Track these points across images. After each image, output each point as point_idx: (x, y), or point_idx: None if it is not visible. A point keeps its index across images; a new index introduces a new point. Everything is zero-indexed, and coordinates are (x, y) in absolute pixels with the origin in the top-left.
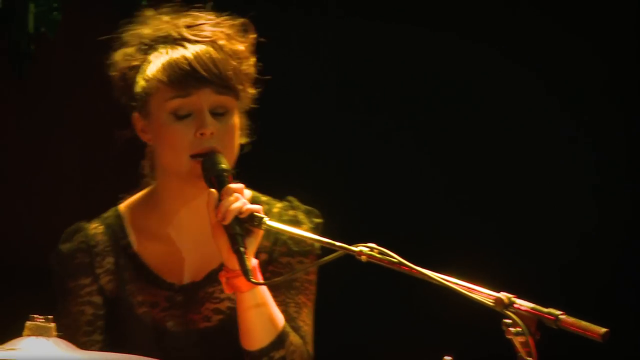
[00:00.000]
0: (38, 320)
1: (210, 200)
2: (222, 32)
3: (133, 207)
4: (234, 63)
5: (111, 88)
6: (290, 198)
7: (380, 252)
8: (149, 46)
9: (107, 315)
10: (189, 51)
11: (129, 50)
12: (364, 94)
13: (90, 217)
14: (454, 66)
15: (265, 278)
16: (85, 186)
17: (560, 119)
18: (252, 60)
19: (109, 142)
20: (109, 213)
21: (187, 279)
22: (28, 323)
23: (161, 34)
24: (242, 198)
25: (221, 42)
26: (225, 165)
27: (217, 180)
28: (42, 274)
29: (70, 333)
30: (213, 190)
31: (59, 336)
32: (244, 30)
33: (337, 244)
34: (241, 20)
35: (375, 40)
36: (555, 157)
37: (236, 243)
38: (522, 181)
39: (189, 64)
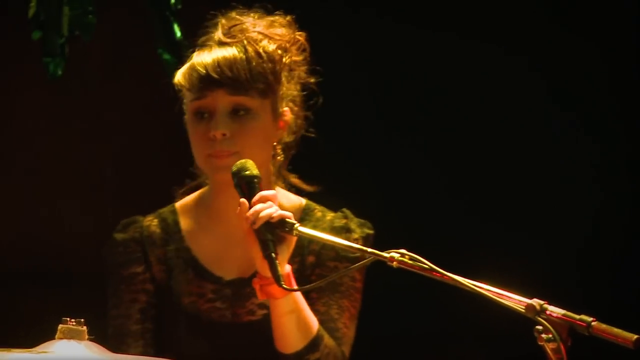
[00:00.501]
0: (70, 323)
1: (241, 209)
2: (256, 32)
3: (188, 204)
4: (263, 62)
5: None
6: (344, 209)
7: (412, 258)
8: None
9: (158, 305)
10: (212, 55)
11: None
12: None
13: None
14: (469, 69)
15: (311, 281)
16: (119, 189)
17: (565, 118)
18: (292, 58)
19: (144, 142)
20: (165, 209)
21: (235, 274)
22: (60, 326)
23: (207, 36)
24: (273, 204)
25: (253, 43)
26: (253, 171)
27: (247, 188)
28: (74, 278)
29: (122, 322)
30: (243, 200)
31: (90, 339)
32: (283, 28)
33: (369, 250)
34: (282, 18)
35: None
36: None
37: (267, 249)
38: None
39: (205, 67)
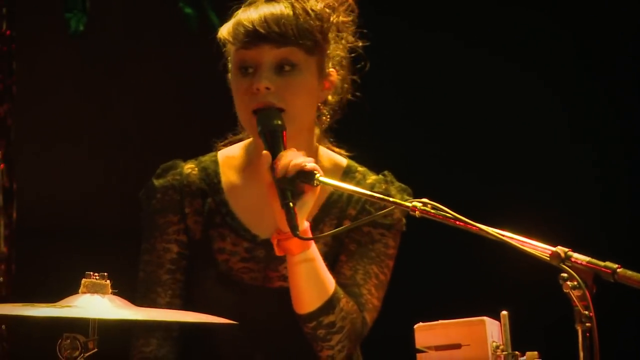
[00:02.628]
0: (94, 277)
1: (264, 160)
2: None
3: (231, 156)
4: (310, 20)
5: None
6: (386, 172)
7: (434, 207)
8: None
9: (190, 257)
10: (258, 11)
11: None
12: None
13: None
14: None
15: (344, 244)
16: (143, 146)
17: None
18: (340, 19)
19: (166, 99)
20: (207, 157)
21: (271, 233)
22: (84, 280)
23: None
24: (300, 155)
25: (302, 1)
26: (279, 121)
27: (271, 136)
28: (97, 233)
29: (153, 269)
30: (266, 152)
31: (114, 293)
32: None
33: (391, 199)
34: None
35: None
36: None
37: (285, 198)
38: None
39: (252, 23)
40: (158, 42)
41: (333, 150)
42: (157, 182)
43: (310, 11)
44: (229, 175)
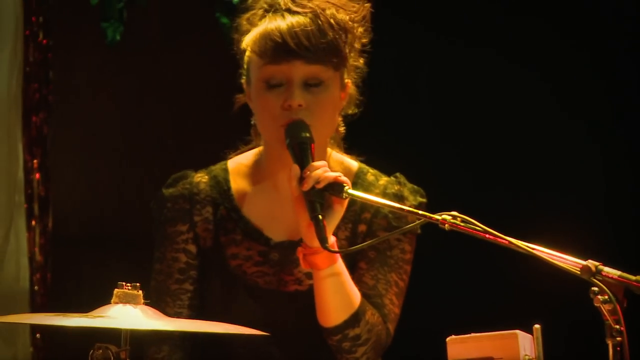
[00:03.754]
0: (126, 287)
1: (292, 173)
2: (327, 2)
3: (241, 164)
4: (336, 34)
5: (204, 55)
6: (398, 174)
7: (464, 221)
8: (261, 14)
9: (200, 266)
10: (285, 22)
11: (247, 15)
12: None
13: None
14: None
15: (362, 251)
16: (179, 155)
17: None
18: (360, 31)
19: (201, 108)
20: (217, 166)
21: (284, 236)
22: (116, 290)
23: (271, 2)
24: (328, 169)
25: (324, 12)
26: (307, 134)
27: (299, 149)
28: (131, 243)
29: (163, 279)
30: (295, 165)
31: (146, 304)
32: (355, 7)
33: (420, 212)
34: None
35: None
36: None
37: (314, 210)
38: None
39: (281, 36)
40: (194, 50)
41: (344, 154)
42: (166, 192)
43: (335, 25)
44: (239, 182)
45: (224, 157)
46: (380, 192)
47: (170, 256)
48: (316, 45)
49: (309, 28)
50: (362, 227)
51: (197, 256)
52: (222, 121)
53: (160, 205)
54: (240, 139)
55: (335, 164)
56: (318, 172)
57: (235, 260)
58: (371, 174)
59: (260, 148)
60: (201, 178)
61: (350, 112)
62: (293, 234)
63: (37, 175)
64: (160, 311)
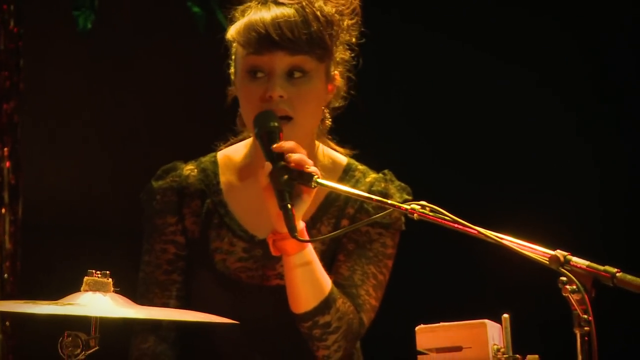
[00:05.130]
0: (96, 275)
1: (266, 168)
2: None
3: (230, 157)
4: (321, 26)
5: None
6: (387, 171)
7: (433, 210)
8: (250, 5)
9: (188, 257)
10: (270, 13)
11: (242, 7)
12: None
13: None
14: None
15: (343, 244)
16: (151, 145)
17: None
18: (348, 23)
19: (173, 96)
20: (207, 158)
21: (268, 233)
22: (86, 278)
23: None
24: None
25: (310, 4)
26: (276, 122)
27: (267, 138)
28: (100, 231)
29: (151, 270)
30: (268, 163)
31: (116, 291)
32: (345, 2)
33: (389, 202)
34: None
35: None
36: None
37: (283, 199)
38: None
39: (264, 27)
40: (166, 38)
41: (333, 149)
42: (156, 184)
43: (321, 17)
44: (227, 176)
45: (212, 149)
46: (367, 188)
47: (159, 247)
48: (299, 37)
49: (293, 19)
50: (345, 222)
51: (185, 247)
52: (196, 112)
53: (149, 197)
54: (229, 130)
55: (323, 158)
56: (294, 147)
57: (219, 255)
58: (359, 170)
59: (250, 140)
60: (190, 171)
61: (337, 105)
62: None
63: (8, 164)
64: (149, 303)
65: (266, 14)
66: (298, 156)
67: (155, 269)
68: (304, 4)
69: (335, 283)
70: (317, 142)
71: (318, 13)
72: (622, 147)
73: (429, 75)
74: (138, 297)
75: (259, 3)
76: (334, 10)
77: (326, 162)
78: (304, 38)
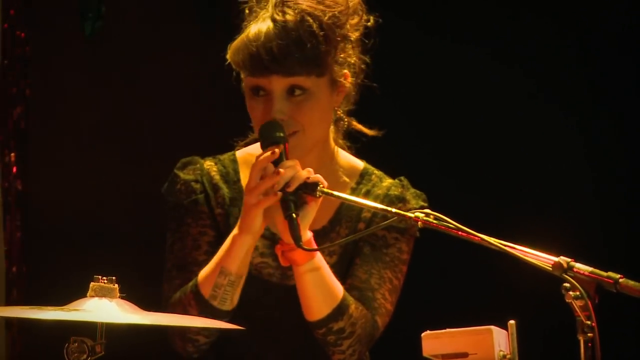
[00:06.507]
0: (102, 281)
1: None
2: (312, 6)
3: (250, 156)
4: (318, 42)
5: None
6: (402, 178)
7: (436, 218)
8: (253, 14)
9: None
10: (264, 34)
11: (248, 14)
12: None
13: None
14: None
15: (358, 247)
16: (157, 151)
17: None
18: (352, 23)
19: (181, 102)
20: (225, 156)
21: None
22: (92, 284)
23: (261, 5)
24: (298, 167)
25: (309, 16)
26: (281, 133)
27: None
28: (107, 236)
29: (188, 252)
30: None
31: (122, 297)
32: (344, 1)
33: (393, 210)
34: None
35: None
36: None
37: (288, 209)
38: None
39: (257, 51)
40: (175, 44)
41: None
42: (182, 174)
43: (318, 32)
44: (247, 174)
45: (232, 147)
46: (383, 193)
47: (197, 231)
48: (292, 60)
49: (285, 41)
50: (361, 226)
51: (218, 234)
52: (204, 119)
53: (176, 187)
54: (249, 128)
55: (342, 161)
56: (288, 172)
57: None
58: (376, 175)
59: None
60: (211, 167)
61: (346, 108)
62: None
63: (14, 169)
64: (183, 284)
65: (260, 36)
66: (296, 177)
67: (193, 250)
68: (303, 16)
69: (352, 286)
70: (334, 146)
71: (315, 27)
72: (623, 153)
73: (426, 77)
74: (167, 281)
75: (258, 16)
76: (331, 21)
77: (344, 165)
78: (298, 61)
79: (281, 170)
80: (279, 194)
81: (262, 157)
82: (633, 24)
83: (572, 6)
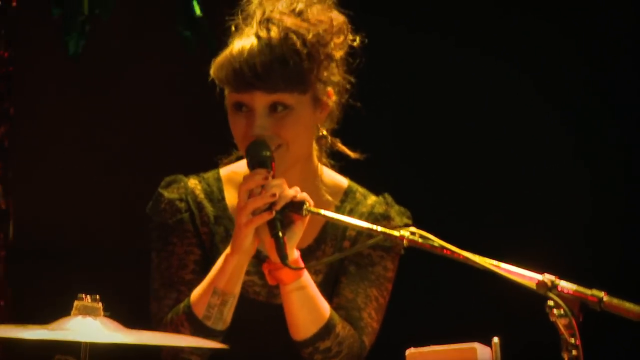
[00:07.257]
0: (86, 300)
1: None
2: (296, 24)
3: (234, 174)
4: (301, 59)
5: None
6: (386, 195)
7: (422, 237)
8: (239, 29)
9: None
10: (249, 52)
11: (234, 28)
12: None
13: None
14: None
15: (344, 266)
16: (140, 168)
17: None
18: (336, 42)
19: (166, 118)
20: (209, 174)
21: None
22: (76, 302)
23: (243, 19)
24: (284, 186)
25: (292, 34)
26: (267, 152)
27: (260, 168)
28: (90, 255)
29: (174, 272)
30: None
31: (106, 316)
32: (321, 12)
33: (379, 229)
34: (328, 8)
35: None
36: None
37: (275, 228)
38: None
39: (240, 68)
40: (157, 63)
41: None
42: (166, 193)
43: (302, 50)
44: (232, 193)
45: (206, 168)
46: (367, 211)
47: (183, 250)
48: (275, 77)
49: (269, 57)
50: (347, 244)
51: (204, 252)
52: (190, 133)
53: (161, 206)
54: (232, 145)
55: (326, 179)
56: (290, 192)
57: None
58: (360, 192)
59: None
60: (195, 185)
61: (330, 127)
62: None
63: None
64: (175, 303)
65: (244, 53)
66: (282, 195)
67: (179, 270)
68: (287, 33)
69: (338, 305)
70: (317, 164)
71: (299, 44)
72: (609, 169)
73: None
74: (155, 300)
75: (243, 32)
76: (315, 40)
77: (328, 183)
78: (280, 78)
79: (267, 188)
80: (273, 212)
81: (251, 179)
82: (632, 24)
83: (569, 8)
